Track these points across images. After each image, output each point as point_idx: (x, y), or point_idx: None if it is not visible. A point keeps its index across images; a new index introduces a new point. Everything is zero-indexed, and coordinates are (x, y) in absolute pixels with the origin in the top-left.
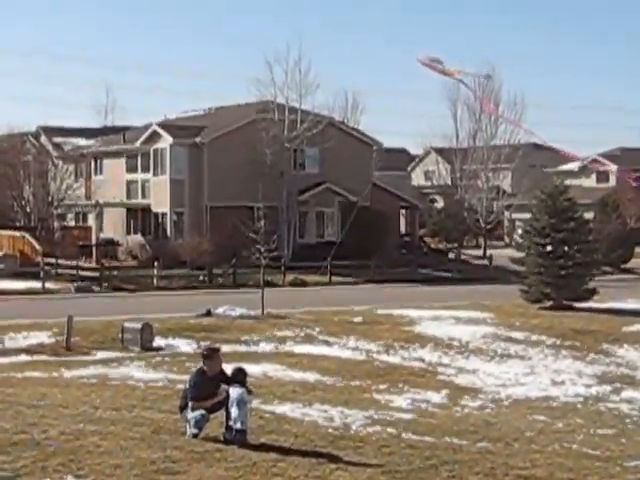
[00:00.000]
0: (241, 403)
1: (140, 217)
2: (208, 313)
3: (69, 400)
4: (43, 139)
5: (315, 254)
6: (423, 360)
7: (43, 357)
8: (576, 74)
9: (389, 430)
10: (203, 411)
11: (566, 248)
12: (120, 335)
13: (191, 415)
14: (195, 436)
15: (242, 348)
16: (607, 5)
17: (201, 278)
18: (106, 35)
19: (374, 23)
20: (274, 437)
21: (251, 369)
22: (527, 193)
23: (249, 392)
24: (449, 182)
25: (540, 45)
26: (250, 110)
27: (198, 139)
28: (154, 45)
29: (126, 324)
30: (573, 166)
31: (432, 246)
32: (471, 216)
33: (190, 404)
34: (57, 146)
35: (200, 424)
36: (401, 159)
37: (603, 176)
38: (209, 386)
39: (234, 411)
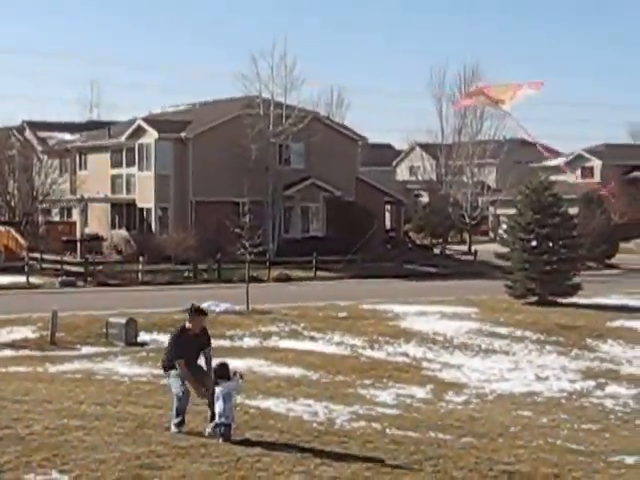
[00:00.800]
0: (227, 397)
1: (125, 212)
2: None
3: (53, 395)
4: (28, 133)
5: (300, 249)
6: (408, 355)
7: (27, 352)
8: (562, 71)
9: (374, 425)
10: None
11: (551, 243)
12: (105, 330)
13: (175, 386)
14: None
15: (227, 343)
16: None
17: (186, 273)
18: (91, 31)
19: (362, 20)
20: (259, 432)
21: (236, 364)
22: (512, 189)
23: (240, 377)
24: (434, 177)
25: (529, 43)
26: (235, 105)
27: (183, 134)
28: (139, 41)
29: (111, 319)
30: (558, 162)
31: (417, 241)
32: (456, 211)
33: (176, 364)
34: (42, 141)
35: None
36: (386, 154)
37: (588, 172)
38: (191, 344)
39: (219, 405)
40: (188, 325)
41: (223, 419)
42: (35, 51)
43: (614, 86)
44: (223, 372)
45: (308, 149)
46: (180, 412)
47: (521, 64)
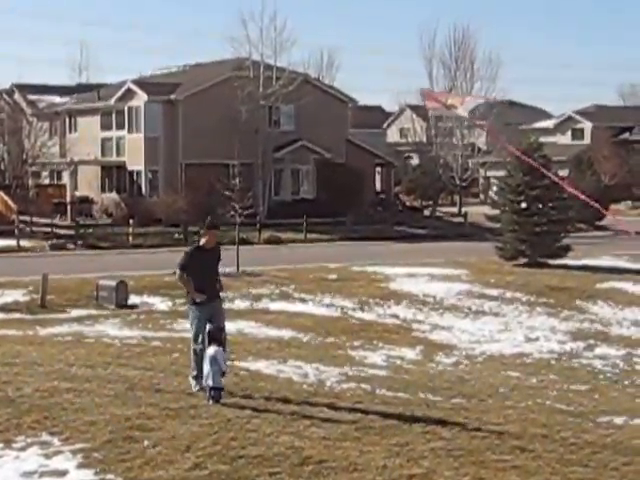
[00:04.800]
0: (213, 361)
1: (115, 175)
2: None
3: (44, 358)
4: (17, 96)
5: (290, 211)
6: (398, 317)
7: (18, 315)
8: (553, 32)
9: (363, 386)
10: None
11: (540, 205)
12: (95, 293)
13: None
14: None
15: None
16: None
17: (176, 236)
18: None
19: None
20: (249, 394)
21: (227, 326)
22: (502, 150)
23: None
24: (424, 139)
25: (519, 2)
26: (225, 67)
27: (173, 96)
28: (129, 2)
29: (101, 282)
30: (549, 123)
31: (407, 203)
32: (446, 173)
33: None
34: (31, 103)
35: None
36: (376, 116)
37: (578, 133)
38: (205, 260)
39: (206, 368)
40: (202, 241)
41: (210, 382)
42: (23, 12)
43: (603, 46)
44: (216, 336)
45: (298, 111)
46: (197, 366)
47: (511, 25)
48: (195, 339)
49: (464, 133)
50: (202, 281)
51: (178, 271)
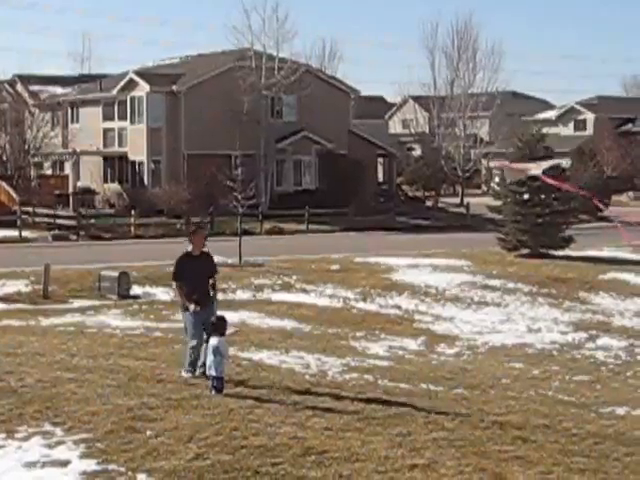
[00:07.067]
0: (216, 352)
1: (117, 165)
2: None
3: (46, 348)
4: (19, 87)
5: (293, 202)
6: (400, 308)
7: (20, 305)
8: (556, 23)
9: (366, 377)
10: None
11: (543, 196)
12: (97, 283)
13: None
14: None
15: (220, 296)
16: None
17: (178, 226)
18: None
19: None
20: (251, 384)
21: (229, 317)
22: (504, 141)
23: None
24: (427, 130)
25: None
26: (227, 58)
27: (175, 87)
28: None
29: (103, 272)
30: (551, 114)
31: (409, 194)
32: (449, 164)
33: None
34: (33, 94)
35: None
36: (379, 107)
37: (581, 124)
38: (196, 268)
39: (209, 358)
40: (190, 247)
41: (213, 372)
42: (24, 3)
43: (608, 38)
44: (219, 326)
45: (300, 102)
46: (193, 362)
47: (514, 16)
48: (191, 341)
49: (466, 124)
50: (194, 288)
51: (173, 283)
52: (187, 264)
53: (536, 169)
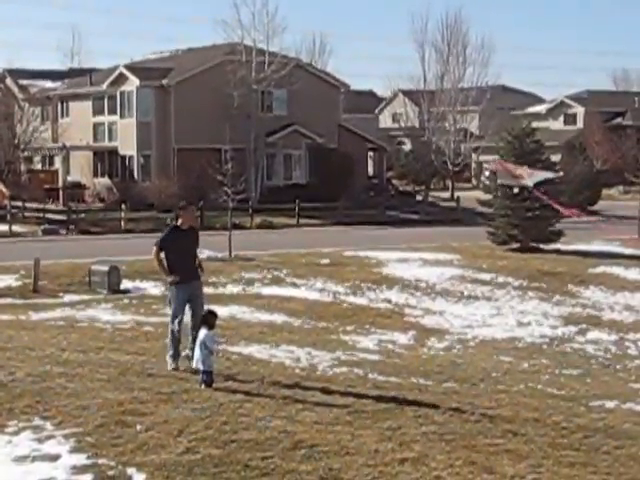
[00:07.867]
0: (202, 346)
1: (107, 160)
2: None
3: (36, 342)
4: (9, 81)
5: (283, 196)
6: (390, 301)
7: (10, 300)
8: (546, 17)
9: (356, 371)
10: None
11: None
12: (87, 278)
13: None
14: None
15: (209, 290)
16: None
17: (168, 220)
18: None
19: None
20: (241, 378)
21: (219, 311)
22: (494, 135)
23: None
24: (417, 124)
25: None
26: (217, 52)
27: (165, 81)
28: None
29: (93, 267)
30: (541, 108)
31: (400, 188)
32: (439, 158)
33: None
34: (23, 88)
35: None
36: (369, 101)
37: (571, 118)
38: (183, 240)
39: (197, 352)
40: (180, 221)
41: (200, 366)
42: None
43: (598, 32)
44: (208, 320)
45: (290, 96)
46: (175, 346)
47: (505, 11)
48: (172, 319)
49: (456, 118)
50: (180, 262)
51: (154, 247)
52: (175, 237)
53: (529, 180)
